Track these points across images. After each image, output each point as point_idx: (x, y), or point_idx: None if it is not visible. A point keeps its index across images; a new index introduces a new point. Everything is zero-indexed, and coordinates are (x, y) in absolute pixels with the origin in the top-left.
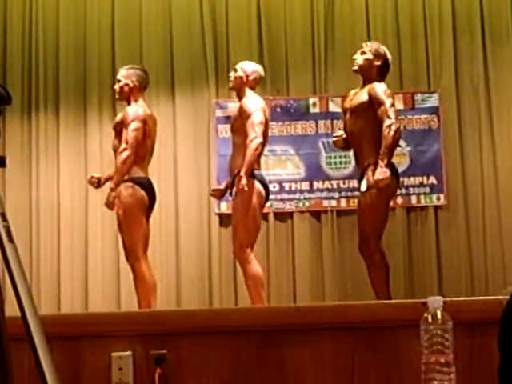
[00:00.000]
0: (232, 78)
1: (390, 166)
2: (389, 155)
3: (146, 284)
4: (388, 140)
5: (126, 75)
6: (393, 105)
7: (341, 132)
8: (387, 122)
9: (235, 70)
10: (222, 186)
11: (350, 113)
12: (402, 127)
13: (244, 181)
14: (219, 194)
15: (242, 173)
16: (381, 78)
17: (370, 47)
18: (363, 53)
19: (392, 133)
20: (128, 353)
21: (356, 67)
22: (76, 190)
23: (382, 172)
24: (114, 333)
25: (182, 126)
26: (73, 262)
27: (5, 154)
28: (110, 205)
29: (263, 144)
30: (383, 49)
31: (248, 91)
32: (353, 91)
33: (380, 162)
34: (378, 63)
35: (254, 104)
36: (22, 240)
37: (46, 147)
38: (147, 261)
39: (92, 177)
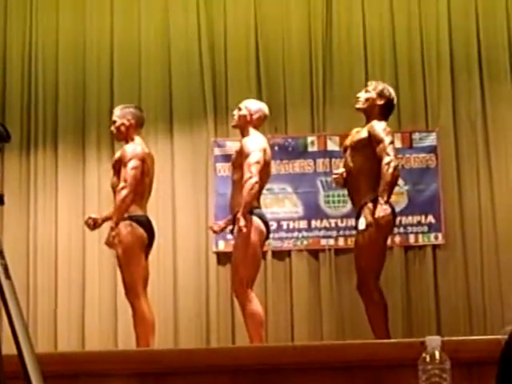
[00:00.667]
0: (236, 117)
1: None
2: (389, 192)
3: (145, 322)
4: (387, 177)
5: (120, 115)
6: (392, 142)
7: (341, 170)
8: (386, 160)
9: (239, 109)
10: (222, 223)
11: (349, 150)
12: (400, 166)
13: (242, 222)
14: (218, 229)
15: (239, 214)
16: (383, 117)
17: (374, 86)
18: (367, 91)
19: (391, 170)
20: None
21: (359, 105)
22: (74, 228)
23: (382, 209)
24: (110, 371)
25: (181, 165)
26: (70, 300)
27: (3, 191)
28: (110, 244)
29: (259, 183)
30: (388, 89)
31: (251, 130)
32: (355, 129)
33: (380, 199)
34: (380, 102)
35: (255, 144)
36: (19, 277)
37: (44, 184)
38: (147, 298)
39: (89, 218)
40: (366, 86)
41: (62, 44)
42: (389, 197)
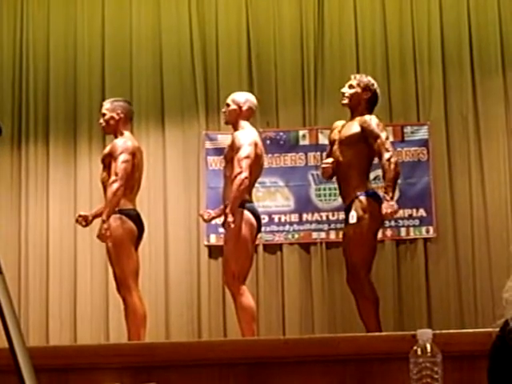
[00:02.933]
0: (227, 113)
1: (375, 196)
2: (392, 188)
3: (136, 315)
4: (390, 173)
5: (110, 108)
6: (387, 137)
7: (330, 159)
8: (386, 156)
9: (227, 105)
10: (213, 212)
11: (338, 144)
12: (399, 161)
13: (231, 218)
14: (208, 218)
15: (228, 210)
16: (369, 110)
17: (358, 80)
18: (351, 86)
19: (393, 165)
20: None
21: (345, 101)
22: (65, 221)
23: (389, 205)
24: (102, 365)
25: (172, 158)
26: (61, 294)
27: None
28: (102, 237)
29: (249, 178)
30: (371, 81)
31: (243, 123)
32: (340, 122)
33: (385, 195)
34: (366, 96)
35: (245, 138)
36: (10, 271)
37: (35, 178)
38: (138, 292)
39: (79, 215)
40: (349, 80)
41: (53, 37)
42: (393, 192)
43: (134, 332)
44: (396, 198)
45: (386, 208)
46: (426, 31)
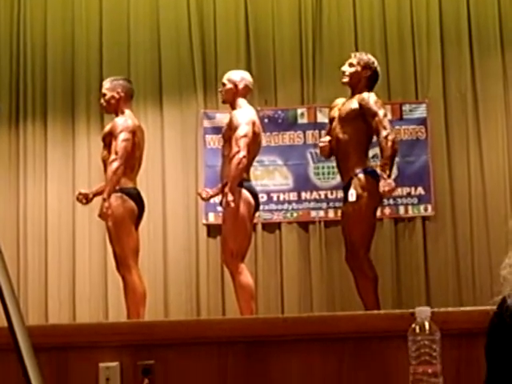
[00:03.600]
0: (223, 92)
1: (374, 174)
2: (390, 165)
3: (136, 294)
4: (387, 151)
5: (110, 87)
6: (385, 115)
7: (328, 138)
8: (384, 133)
9: (223, 84)
10: (211, 191)
11: (337, 121)
12: (397, 138)
13: (230, 197)
14: (207, 197)
15: (227, 189)
16: (369, 88)
17: (358, 59)
18: (351, 64)
19: (390, 143)
20: (115, 363)
21: (346, 79)
22: (64, 200)
23: (387, 183)
24: (101, 343)
25: (170, 137)
26: (60, 273)
27: None
28: (104, 215)
29: (247, 157)
30: (372, 59)
31: (240, 101)
32: (339, 100)
33: (383, 173)
34: (366, 74)
35: (243, 117)
36: (9, 250)
37: (33, 157)
38: (138, 270)
39: (79, 193)
40: (349, 58)
41: (50, 15)
42: (391, 170)
43: (133, 310)
44: (394, 176)
45: (384, 186)
46: (424, 9)
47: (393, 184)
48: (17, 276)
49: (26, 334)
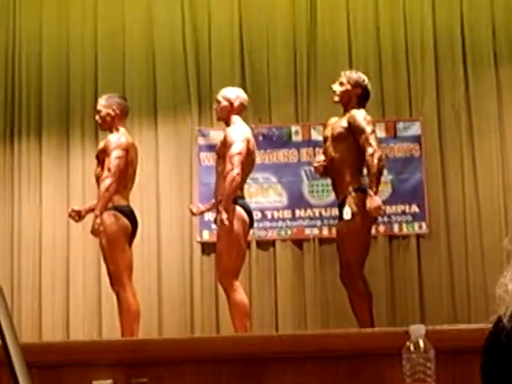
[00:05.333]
0: (218, 109)
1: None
2: (376, 183)
3: (130, 311)
4: (373, 169)
5: (106, 104)
6: (373, 131)
7: (322, 157)
8: (370, 151)
9: (218, 102)
10: (203, 207)
11: (330, 140)
12: (384, 155)
13: (224, 215)
14: (197, 212)
15: (221, 207)
16: (361, 106)
17: (347, 77)
18: (341, 83)
19: (376, 160)
20: (109, 381)
21: (336, 98)
22: (58, 216)
23: (373, 201)
24: (95, 361)
25: (165, 154)
26: (54, 290)
27: None
28: (95, 232)
29: (241, 174)
30: (362, 77)
31: (235, 119)
32: (333, 119)
33: (369, 191)
34: (357, 93)
35: (237, 134)
36: (3, 266)
37: (28, 173)
38: (132, 288)
39: (72, 210)
40: (339, 77)
41: (46, 33)
42: (377, 187)
43: (127, 328)
44: (389, 193)
45: (370, 204)
46: (418, 27)
47: (379, 201)
48: (11, 292)
49: (19, 352)
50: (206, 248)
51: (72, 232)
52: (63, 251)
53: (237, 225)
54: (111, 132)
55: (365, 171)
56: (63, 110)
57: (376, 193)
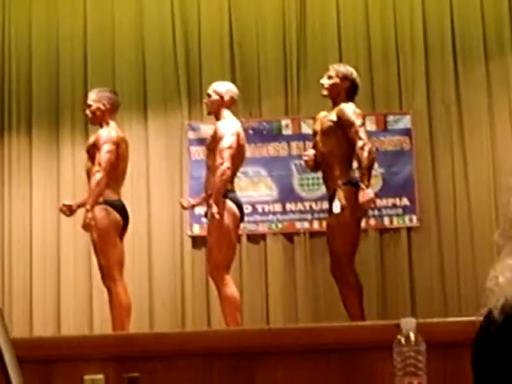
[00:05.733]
0: (209, 103)
1: (358, 185)
2: (367, 176)
3: (121, 306)
4: (364, 162)
5: (96, 99)
6: (363, 124)
7: (312, 151)
8: (359, 144)
9: (209, 96)
10: (193, 201)
11: (319, 135)
12: (374, 148)
13: (215, 209)
14: (188, 206)
15: (211, 201)
16: (349, 99)
17: (336, 71)
18: (330, 77)
19: (366, 153)
20: (100, 376)
21: (325, 92)
22: (48, 212)
23: (365, 194)
24: (86, 356)
25: (155, 148)
26: (45, 285)
27: None
28: (87, 226)
29: (231, 168)
30: (350, 70)
31: (225, 113)
32: (322, 114)
33: (361, 184)
34: (345, 86)
35: (228, 128)
36: None
37: (18, 169)
38: (123, 282)
39: (63, 205)
40: (328, 71)
41: (35, 28)
42: (368, 180)
43: (118, 322)
44: (379, 187)
45: (362, 197)
46: (408, 20)
47: (371, 194)
48: (1, 287)
49: (10, 347)
50: (197, 242)
51: (62, 227)
52: (54, 246)
53: (227, 219)
54: (101, 126)
55: (355, 165)
56: (53, 104)
57: (368, 186)
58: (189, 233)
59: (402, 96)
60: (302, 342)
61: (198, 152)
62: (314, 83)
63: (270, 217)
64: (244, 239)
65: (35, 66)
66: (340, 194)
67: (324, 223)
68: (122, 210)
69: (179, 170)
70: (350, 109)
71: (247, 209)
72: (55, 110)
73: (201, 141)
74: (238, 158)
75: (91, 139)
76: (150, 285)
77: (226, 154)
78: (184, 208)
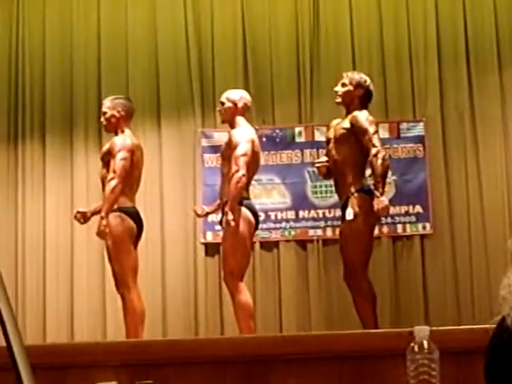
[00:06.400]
0: (222, 111)
1: (371, 192)
2: (382, 183)
3: (135, 313)
4: (378, 169)
5: (111, 106)
6: (376, 132)
7: (324, 158)
8: (373, 151)
9: (222, 103)
10: (207, 208)
11: (333, 142)
12: (387, 155)
13: (231, 216)
14: (202, 213)
15: (227, 208)
16: (363, 106)
17: (349, 78)
18: (344, 84)
19: (380, 161)
20: (113, 383)
21: (338, 99)
22: (62, 219)
23: (380, 202)
24: (99, 363)
25: (168, 156)
26: (58, 292)
27: None
28: (101, 234)
29: (247, 176)
30: (364, 78)
31: (239, 120)
32: (335, 121)
33: (376, 192)
34: (359, 93)
35: (243, 135)
36: (7, 268)
37: (31, 176)
38: (137, 289)
39: (78, 212)
40: (341, 78)
41: (49, 35)
42: (383, 188)
43: (132, 329)
44: (392, 194)
45: (377, 204)
46: (421, 28)
47: (386, 202)
48: (15, 294)
49: (24, 354)
50: (210, 249)
51: (76, 234)
52: (67, 253)
53: (242, 226)
54: (116, 134)
55: (368, 172)
56: (67, 111)
57: (382, 193)
58: (202, 240)
59: (415, 103)
60: (315, 349)
61: (212, 159)
62: (328, 90)
63: (283, 224)
64: (257, 246)
65: (49, 73)
66: (353, 201)
67: (337, 231)
68: (136, 217)
69: (192, 178)
70: (363, 116)
71: (260, 216)
72: (69, 117)
73: (214, 148)
74: (253, 165)
75: (106, 146)
76: (164, 292)
77: (242, 162)
78: (198, 215)
